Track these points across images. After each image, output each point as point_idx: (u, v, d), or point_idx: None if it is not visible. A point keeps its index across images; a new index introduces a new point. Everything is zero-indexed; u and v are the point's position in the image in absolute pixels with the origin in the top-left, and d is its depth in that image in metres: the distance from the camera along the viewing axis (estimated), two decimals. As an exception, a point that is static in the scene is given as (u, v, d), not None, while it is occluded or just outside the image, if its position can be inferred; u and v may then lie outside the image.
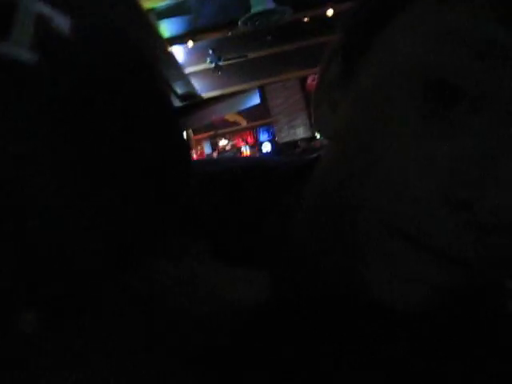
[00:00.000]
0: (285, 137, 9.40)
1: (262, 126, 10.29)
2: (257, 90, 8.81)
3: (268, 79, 7.96)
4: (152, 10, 4.34)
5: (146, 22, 4.13)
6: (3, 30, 0.23)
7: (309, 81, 8.46)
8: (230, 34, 5.40)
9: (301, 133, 9.16)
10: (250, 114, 10.01)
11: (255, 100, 9.06)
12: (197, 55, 6.05)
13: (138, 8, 3.70)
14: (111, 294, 0.29)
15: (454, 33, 0.34)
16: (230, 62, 6.54)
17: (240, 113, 10.12)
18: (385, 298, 0.40)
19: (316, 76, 0.48)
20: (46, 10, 0.25)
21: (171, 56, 5.42)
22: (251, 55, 6.61)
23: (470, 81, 0.34)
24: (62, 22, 0.25)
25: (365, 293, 0.41)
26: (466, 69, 0.34)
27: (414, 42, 0.37)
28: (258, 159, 0.56)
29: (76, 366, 0.27)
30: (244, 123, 10.63)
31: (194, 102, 7.81)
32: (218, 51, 6.08)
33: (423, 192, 0.36)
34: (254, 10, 4.77)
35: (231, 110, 9.56)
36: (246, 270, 0.36)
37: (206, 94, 7.76)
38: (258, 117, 10.03)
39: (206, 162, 0.94)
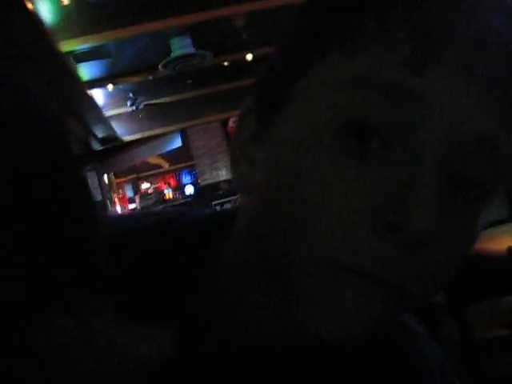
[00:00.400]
0: (207, 179, 9.44)
1: (184, 168, 10.31)
2: (178, 133, 8.83)
3: (189, 122, 8.00)
4: (71, 52, 4.30)
5: (64, 65, 4.08)
6: None
7: (230, 123, 8.58)
8: (150, 77, 5.41)
9: (223, 175, 9.22)
10: (172, 156, 10.02)
11: (177, 143, 9.08)
12: (117, 98, 6.02)
13: (54, 51, 3.65)
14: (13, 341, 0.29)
15: (362, 78, 0.38)
16: (150, 104, 6.55)
17: (162, 156, 10.11)
18: (322, 333, 0.40)
19: (234, 125, 0.49)
20: None
21: (91, 99, 5.37)
22: (172, 98, 6.64)
23: (379, 120, 0.37)
24: None
25: (301, 333, 0.42)
26: (374, 109, 0.37)
27: (328, 89, 0.40)
28: (178, 213, 0.55)
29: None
30: (166, 166, 10.62)
31: (114, 146, 7.72)
32: (139, 94, 6.08)
33: (349, 219, 0.38)
34: (174, 54, 4.80)
35: (153, 153, 9.52)
36: (150, 327, 0.36)
37: (127, 137, 7.71)
38: (180, 159, 10.05)
39: (128, 217, 0.91)
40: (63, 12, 3.53)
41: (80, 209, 0.35)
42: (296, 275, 0.40)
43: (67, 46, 4.10)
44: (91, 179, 7.21)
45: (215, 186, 9.12)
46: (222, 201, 8.54)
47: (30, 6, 2.94)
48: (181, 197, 10.21)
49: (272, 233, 0.42)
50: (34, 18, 3.09)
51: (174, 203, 9.87)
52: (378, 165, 0.38)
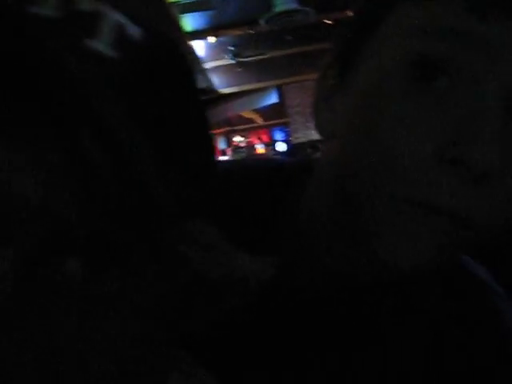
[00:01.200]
0: (300, 137, 9.41)
1: (277, 125, 10.31)
2: (274, 89, 8.83)
3: (286, 79, 7.98)
4: (175, 3, 4.39)
5: (169, 15, 4.18)
6: (92, 31, 0.32)
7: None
8: (251, 31, 5.43)
9: (316, 134, 9.15)
10: (267, 112, 10.03)
11: (272, 99, 9.09)
12: (217, 51, 6.10)
13: (162, 2, 3.74)
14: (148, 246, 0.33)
15: (433, 24, 0.41)
16: (249, 59, 6.58)
17: (256, 111, 10.15)
18: (393, 261, 0.44)
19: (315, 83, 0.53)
20: (123, 19, 0.34)
21: (192, 50, 5.47)
22: (271, 54, 6.64)
23: (446, 58, 0.41)
24: (133, 30, 0.35)
25: (373, 261, 0.45)
26: (443, 50, 0.41)
27: (399, 36, 0.44)
28: (269, 159, 0.65)
29: (110, 314, 0.32)
30: (260, 121, 10.66)
31: (211, 97, 7.86)
32: (239, 48, 6.12)
33: (420, 155, 0.41)
34: (276, 9, 4.79)
35: (248, 108, 9.58)
36: (252, 254, 0.40)
37: (223, 90, 7.81)
38: (274, 116, 10.06)
39: (227, 161, 0.99)
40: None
41: (205, 139, 0.39)
42: (375, 210, 0.44)
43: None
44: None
45: (307, 145, 9.09)
46: (312, 160, 8.51)
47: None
48: (272, 153, 10.26)
49: (356, 172, 0.46)
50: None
51: (265, 159, 9.93)
52: (444, 102, 0.42)
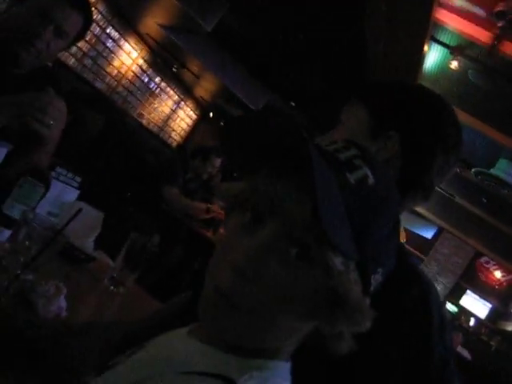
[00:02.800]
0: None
1: (412, 255, 10.08)
2: (435, 227, 8.68)
3: (454, 229, 7.82)
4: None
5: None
6: (351, 171, 0.57)
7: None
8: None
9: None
10: (413, 237, 9.83)
11: (427, 233, 8.87)
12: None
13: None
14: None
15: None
16: (438, 189, 6.56)
17: (406, 229, 10.01)
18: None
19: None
20: (367, 172, 0.57)
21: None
22: (459, 199, 6.51)
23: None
24: (371, 177, 0.56)
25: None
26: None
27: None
28: None
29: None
30: (403, 240, 10.46)
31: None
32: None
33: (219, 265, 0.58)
34: (493, 171, 4.67)
35: (402, 221, 9.45)
36: None
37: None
38: (417, 246, 9.83)
39: None
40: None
41: None
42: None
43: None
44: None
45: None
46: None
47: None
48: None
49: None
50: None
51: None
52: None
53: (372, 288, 0.56)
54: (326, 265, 0.52)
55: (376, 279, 0.57)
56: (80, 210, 1.01)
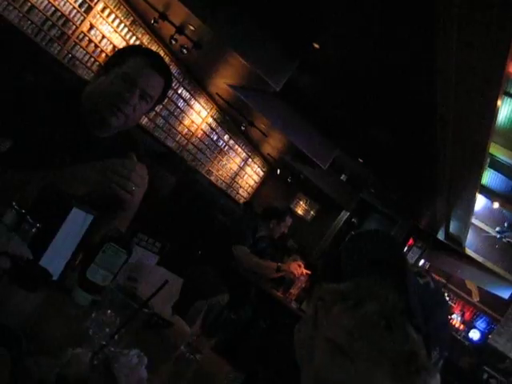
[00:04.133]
0: (497, 342, 8.78)
1: (486, 314, 9.75)
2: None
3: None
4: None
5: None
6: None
7: None
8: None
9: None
10: (487, 297, 9.55)
11: (504, 293, 8.63)
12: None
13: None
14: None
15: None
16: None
17: (480, 289, 9.70)
18: None
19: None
20: (429, 280, 0.75)
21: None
22: None
23: None
24: (431, 283, 0.77)
25: None
26: None
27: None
28: None
29: None
30: (474, 299, 10.17)
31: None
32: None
33: None
34: None
35: (477, 281, 9.22)
36: None
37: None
38: (491, 306, 9.52)
39: None
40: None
41: None
42: None
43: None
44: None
45: (501, 358, 8.42)
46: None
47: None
48: (463, 333, 9.74)
49: None
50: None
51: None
52: None
53: (432, 361, 0.72)
54: (405, 332, 0.70)
55: (434, 356, 0.72)
56: (166, 282, 1.02)
